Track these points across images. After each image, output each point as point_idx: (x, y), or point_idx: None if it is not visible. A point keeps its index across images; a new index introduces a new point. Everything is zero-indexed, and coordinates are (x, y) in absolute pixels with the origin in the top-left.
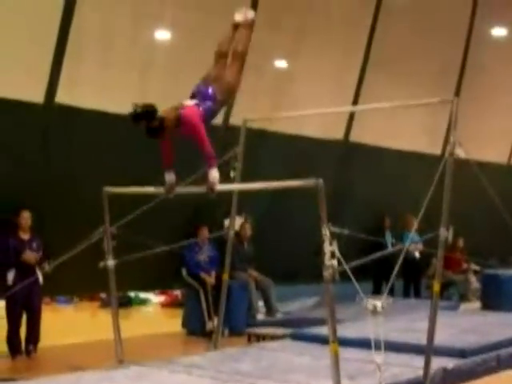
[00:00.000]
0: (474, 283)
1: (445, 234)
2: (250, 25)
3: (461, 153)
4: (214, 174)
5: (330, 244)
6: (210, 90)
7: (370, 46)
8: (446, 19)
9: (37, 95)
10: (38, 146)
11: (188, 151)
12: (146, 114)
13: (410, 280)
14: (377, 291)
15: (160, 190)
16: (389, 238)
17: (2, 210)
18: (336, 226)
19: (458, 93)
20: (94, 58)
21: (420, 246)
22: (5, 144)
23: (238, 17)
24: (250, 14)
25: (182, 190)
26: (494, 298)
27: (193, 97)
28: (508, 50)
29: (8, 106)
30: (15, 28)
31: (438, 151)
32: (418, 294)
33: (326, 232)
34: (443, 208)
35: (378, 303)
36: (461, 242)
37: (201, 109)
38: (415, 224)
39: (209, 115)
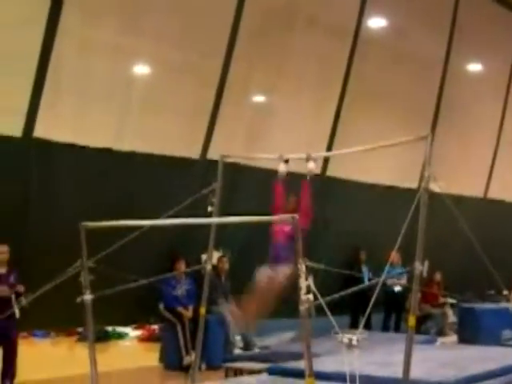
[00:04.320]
0: (451, 317)
1: (419, 267)
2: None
3: (435, 187)
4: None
5: (306, 279)
6: None
7: (346, 82)
8: (421, 55)
9: (15, 129)
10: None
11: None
12: None
13: (391, 313)
14: (354, 325)
15: (137, 223)
16: (365, 272)
17: None
18: (313, 261)
19: (434, 128)
20: (73, 93)
21: (401, 281)
22: None
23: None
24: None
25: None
26: (470, 331)
27: None
28: (483, 85)
29: None
30: None
31: (414, 185)
32: (397, 328)
33: (301, 267)
34: (418, 242)
35: (353, 337)
36: (438, 276)
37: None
38: (391, 258)
39: None
